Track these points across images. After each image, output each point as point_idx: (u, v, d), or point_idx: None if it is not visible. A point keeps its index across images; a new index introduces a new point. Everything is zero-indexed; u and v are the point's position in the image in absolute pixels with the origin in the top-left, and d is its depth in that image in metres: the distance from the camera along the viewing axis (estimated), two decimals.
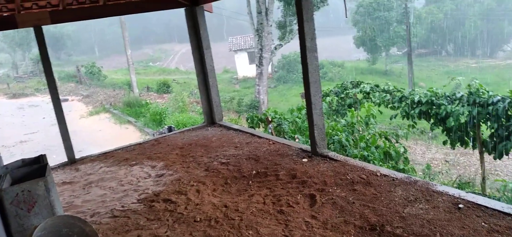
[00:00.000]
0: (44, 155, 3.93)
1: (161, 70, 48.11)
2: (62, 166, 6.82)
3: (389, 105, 11.49)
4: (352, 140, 8.07)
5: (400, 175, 4.41)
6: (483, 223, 3.26)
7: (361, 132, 8.69)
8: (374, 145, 7.79)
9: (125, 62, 28.95)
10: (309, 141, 5.56)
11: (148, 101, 23.34)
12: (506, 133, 8.47)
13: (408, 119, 10.53)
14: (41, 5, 6.30)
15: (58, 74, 35.93)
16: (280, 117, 9.12)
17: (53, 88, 6.64)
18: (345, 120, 9.13)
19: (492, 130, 8.82)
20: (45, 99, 25.28)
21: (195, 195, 4.68)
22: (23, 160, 3.90)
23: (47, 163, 3.71)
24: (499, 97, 8.60)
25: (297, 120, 9.04)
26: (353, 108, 12.18)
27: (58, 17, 6.49)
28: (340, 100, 13.79)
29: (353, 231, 3.42)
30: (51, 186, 3.37)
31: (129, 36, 28.95)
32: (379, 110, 10.43)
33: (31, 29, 6.35)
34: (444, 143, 10.16)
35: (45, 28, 6.92)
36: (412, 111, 10.30)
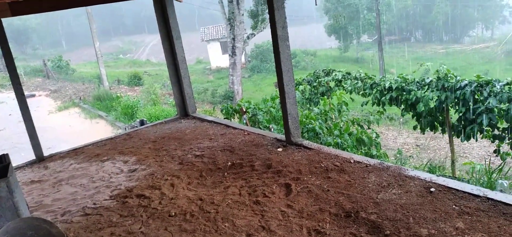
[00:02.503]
0: (7, 154, 3.75)
1: (132, 63, 47.13)
2: (30, 164, 6.57)
3: (361, 93, 11.63)
4: (326, 127, 8.12)
5: (373, 161, 4.46)
6: (454, 206, 3.34)
7: (334, 120, 8.76)
8: (347, 132, 7.86)
9: (94, 55, 28.19)
10: (284, 130, 5.55)
11: (119, 94, 22.83)
12: (473, 116, 8.73)
13: (378, 105, 10.69)
14: None
15: (24, 69, 34.64)
16: (254, 108, 9.07)
17: (17, 84, 6.35)
18: (318, 108, 9.18)
19: (460, 114, 9.07)
20: (11, 95, 24.26)
21: (169, 189, 4.59)
22: None
23: (10, 162, 3.53)
24: (466, 82, 8.84)
25: (272, 109, 9.01)
26: (325, 96, 12.28)
27: (19, 9, 6.17)
28: (312, 89, 13.88)
29: (328, 218, 3.43)
30: (15, 187, 3.22)
31: (97, 28, 28.18)
32: (351, 98, 10.53)
33: None
34: (414, 127, 10.38)
35: (8, 21, 6.61)
36: (383, 98, 10.46)
